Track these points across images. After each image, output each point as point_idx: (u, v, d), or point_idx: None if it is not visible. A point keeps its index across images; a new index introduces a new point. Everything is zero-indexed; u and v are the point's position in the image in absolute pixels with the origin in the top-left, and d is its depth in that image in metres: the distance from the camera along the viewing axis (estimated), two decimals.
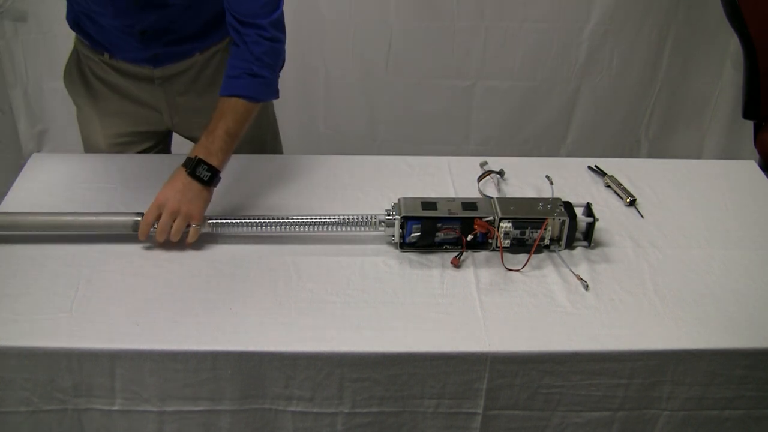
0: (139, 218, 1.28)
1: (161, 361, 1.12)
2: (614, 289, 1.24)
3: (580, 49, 2.48)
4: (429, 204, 1.30)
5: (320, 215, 1.33)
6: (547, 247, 1.32)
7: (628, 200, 1.45)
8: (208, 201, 1.31)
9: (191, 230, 1.28)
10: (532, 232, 1.30)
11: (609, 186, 1.50)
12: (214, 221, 1.32)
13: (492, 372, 1.14)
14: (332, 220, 1.31)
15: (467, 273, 1.27)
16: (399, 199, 1.32)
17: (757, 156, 2.13)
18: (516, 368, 1.14)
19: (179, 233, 1.27)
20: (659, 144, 2.76)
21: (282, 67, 1.43)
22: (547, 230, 1.29)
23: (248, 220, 1.32)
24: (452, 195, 1.47)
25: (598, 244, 1.35)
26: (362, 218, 1.31)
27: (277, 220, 1.32)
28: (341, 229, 1.32)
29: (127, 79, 1.57)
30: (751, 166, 1.61)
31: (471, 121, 2.65)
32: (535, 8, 2.40)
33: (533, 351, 1.13)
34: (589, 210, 1.33)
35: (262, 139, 1.72)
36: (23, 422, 1.18)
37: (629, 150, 2.74)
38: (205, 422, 1.18)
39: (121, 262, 1.28)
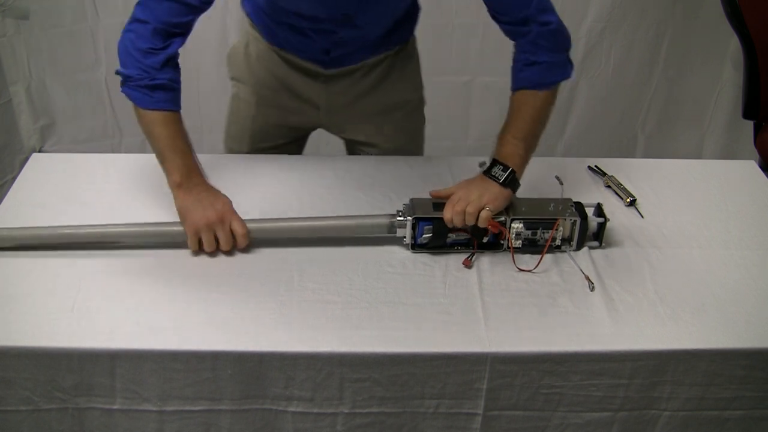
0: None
1: (161, 361, 1.12)
2: (614, 289, 1.25)
3: (577, 46, 2.47)
4: (440, 205, 1.30)
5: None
6: (558, 247, 1.32)
7: (628, 200, 1.45)
8: (508, 198, 1.29)
9: (482, 214, 1.25)
10: (543, 233, 1.30)
11: (609, 186, 1.50)
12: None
13: (492, 372, 1.14)
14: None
15: (471, 273, 1.27)
16: (410, 200, 1.32)
17: (757, 156, 2.14)
18: (516, 368, 1.14)
19: (474, 217, 1.26)
20: (658, 142, 2.76)
21: (569, 46, 1.35)
22: (558, 231, 1.30)
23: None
24: None
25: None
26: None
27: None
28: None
29: (294, 71, 1.57)
30: (751, 166, 1.61)
31: (469, 117, 2.66)
32: None
33: (533, 351, 1.13)
34: (600, 210, 1.33)
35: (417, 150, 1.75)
36: (24, 421, 1.18)
37: (626, 145, 2.74)
38: (206, 422, 1.18)
39: (121, 263, 1.28)
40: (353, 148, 1.75)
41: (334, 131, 1.71)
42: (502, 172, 1.28)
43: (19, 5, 2.37)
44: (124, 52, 1.30)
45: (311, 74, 1.57)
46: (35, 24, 2.42)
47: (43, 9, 2.41)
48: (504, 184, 1.28)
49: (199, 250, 1.29)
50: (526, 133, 1.32)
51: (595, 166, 1.55)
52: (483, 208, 1.26)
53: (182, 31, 1.32)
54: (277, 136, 1.69)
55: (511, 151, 1.31)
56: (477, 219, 1.27)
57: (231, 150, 1.74)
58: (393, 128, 1.67)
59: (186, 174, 1.31)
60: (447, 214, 1.27)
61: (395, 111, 1.65)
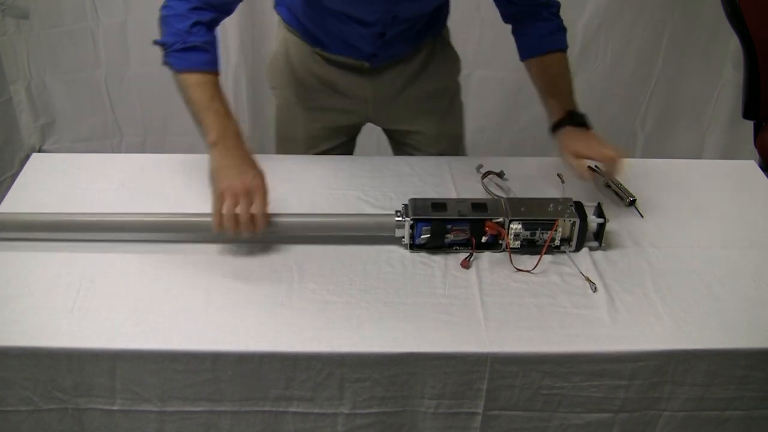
0: None
1: (161, 361, 1.12)
2: (614, 290, 1.24)
3: (574, 41, 2.49)
4: (439, 205, 1.30)
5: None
6: (557, 248, 1.32)
7: (629, 200, 1.45)
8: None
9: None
10: (542, 233, 1.30)
11: (609, 186, 1.50)
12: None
13: (492, 372, 1.14)
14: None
15: (470, 274, 1.27)
16: (409, 200, 1.32)
17: (757, 156, 2.14)
18: (516, 369, 1.14)
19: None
20: (657, 141, 2.76)
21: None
22: (557, 231, 1.30)
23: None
24: (453, 195, 1.47)
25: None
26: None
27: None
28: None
29: (338, 69, 1.59)
30: (751, 166, 1.61)
31: (467, 110, 2.66)
32: None
33: (534, 352, 1.13)
34: (599, 210, 1.33)
35: (459, 135, 1.79)
36: (24, 421, 1.18)
37: (625, 144, 2.74)
38: (206, 423, 1.18)
39: (122, 263, 1.28)
40: (398, 141, 1.77)
41: (382, 123, 1.73)
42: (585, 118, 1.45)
43: (19, 4, 2.37)
44: (161, 23, 1.33)
45: (356, 70, 1.58)
46: (35, 23, 2.43)
47: (43, 8, 2.41)
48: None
49: (219, 224, 1.24)
50: (569, 88, 1.49)
51: (595, 165, 1.55)
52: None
53: (220, 5, 1.34)
54: (328, 139, 1.70)
55: (573, 102, 1.48)
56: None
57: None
58: (437, 114, 1.70)
59: (221, 134, 1.28)
60: (612, 168, 1.38)
61: (438, 97, 1.69)
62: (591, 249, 1.34)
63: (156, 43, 1.34)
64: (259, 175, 1.27)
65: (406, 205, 1.32)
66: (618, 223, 1.40)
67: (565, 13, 1.53)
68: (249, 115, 2.64)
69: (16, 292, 1.21)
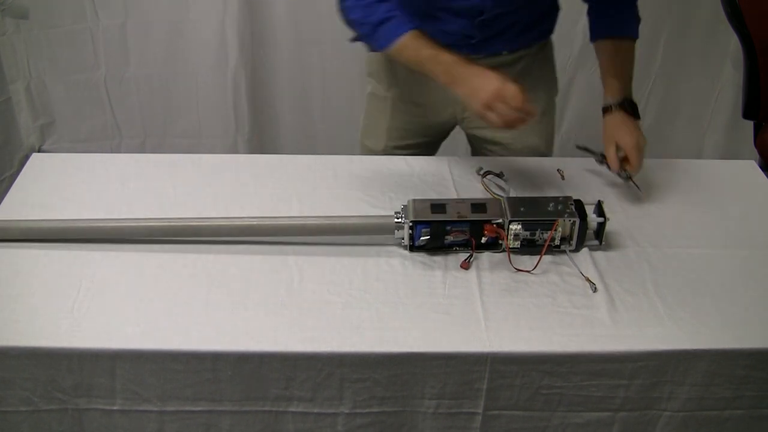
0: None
1: (161, 361, 1.12)
2: (614, 290, 1.24)
3: (574, 41, 2.48)
4: (438, 206, 1.30)
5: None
6: (557, 247, 1.32)
7: (625, 175, 1.47)
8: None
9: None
10: (542, 233, 1.30)
11: (603, 163, 1.51)
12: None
13: (492, 372, 1.14)
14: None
15: (470, 274, 1.27)
16: (408, 201, 1.32)
17: (757, 156, 2.13)
18: (516, 369, 1.14)
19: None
20: (657, 141, 2.75)
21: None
22: (557, 231, 1.29)
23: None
24: (453, 195, 1.47)
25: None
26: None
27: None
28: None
29: None
30: (751, 166, 1.61)
31: None
32: None
33: (533, 351, 1.13)
34: (600, 209, 1.33)
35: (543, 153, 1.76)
36: (23, 422, 1.18)
37: None
38: (206, 422, 1.18)
39: (122, 263, 1.28)
40: (479, 147, 1.76)
41: (469, 127, 1.71)
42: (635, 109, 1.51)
43: (19, 4, 2.37)
44: (347, 24, 1.46)
45: None
46: (35, 23, 2.43)
47: (43, 8, 2.41)
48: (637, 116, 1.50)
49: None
50: (629, 76, 1.55)
51: (584, 146, 1.56)
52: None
53: None
54: (412, 134, 1.71)
55: (630, 90, 1.53)
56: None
57: (365, 148, 1.77)
58: (530, 130, 1.64)
59: (447, 72, 1.36)
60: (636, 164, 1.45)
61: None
62: (591, 248, 1.33)
63: (353, 40, 1.48)
64: (495, 76, 1.32)
65: (405, 206, 1.32)
66: (618, 223, 1.40)
67: (565, 11, 1.53)
68: (249, 116, 2.64)
69: (16, 292, 1.21)
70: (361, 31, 1.44)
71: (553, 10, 1.61)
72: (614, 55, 1.55)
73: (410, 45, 1.39)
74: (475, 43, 1.54)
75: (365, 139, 1.78)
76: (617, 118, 1.49)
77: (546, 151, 1.75)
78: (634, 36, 1.55)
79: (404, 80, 1.64)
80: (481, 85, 1.31)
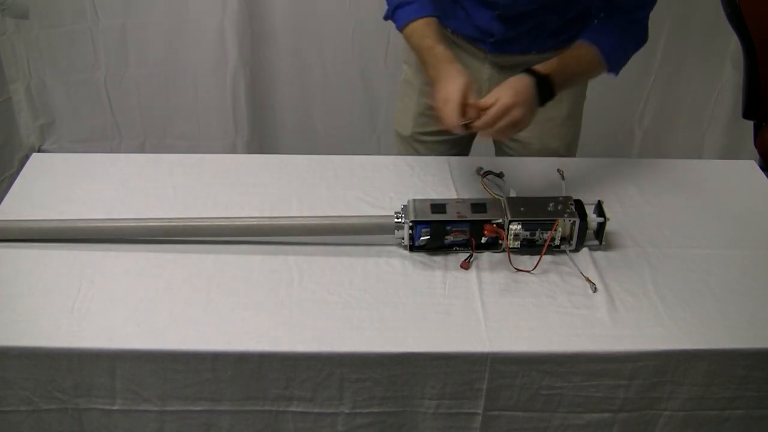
0: None
1: (161, 361, 1.12)
2: (614, 290, 1.24)
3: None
4: (438, 206, 1.30)
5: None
6: (557, 247, 1.32)
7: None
8: (535, 114, 1.35)
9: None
10: (542, 233, 1.30)
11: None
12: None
13: (492, 372, 1.14)
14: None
15: (470, 274, 1.27)
16: (408, 201, 1.32)
17: (757, 156, 2.14)
18: (516, 369, 1.14)
19: (506, 131, 1.31)
20: (656, 141, 2.76)
21: (638, 48, 1.49)
22: (557, 231, 1.29)
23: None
24: (453, 195, 1.47)
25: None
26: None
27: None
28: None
29: (461, 52, 1.61)
30: (751, 166, 1.61)
31: None
32: None
33: (534, 351, 1.13)
34: (600, 209, 1.33)
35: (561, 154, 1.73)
36: (23, 421, 1.18)
37: (623, 139, 2.74)
38: (206, 422, 1.18)
39: (122, 263, 1.28)
40: (501, 144, 1.76)
41: None
42: (548, 91, 1.35)
43: (19, 4, 2.37)
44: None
45: (478, 59, 1.61)
46: (35, 23, 2.43)
47: (43, 8, 2.41)
48: (542, 101, 1.35)
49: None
50: (571, 74, 1.41)
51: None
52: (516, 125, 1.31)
53: None
54: (437, 120, 1.69)
55: (559, 77, 1.37)
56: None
57: (396, 133, 1.80)
58: (546, 130, 1.67)
59: (434, 66, 1.38)
60: (480, 123, 1.30)
61: (555, 115, 1.66)
62: (591, 248, 1.33)
63: (385, 18, 1.52)
64: (464, 73, 1.33)
65: (405, 206, 1.32)
66: (618, 223, 1.40)
67: (562, 11, 1.52)
68: (248, 116, 2.65)
69: (16, 292, 1.21)
70: (388, 7, 1.50)
71: (580, 16, 1.57)
72: (573, 52, 1.43)
73: (418, 31, 1.44)
74: (494, 41, 1.55)
75: (396, 125, 1.80)
76: (517, 78, 1.35)
77: (566, 155, 1.74)
78: (609, 68, 1.44)
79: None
80: (442, 87, 1.34)
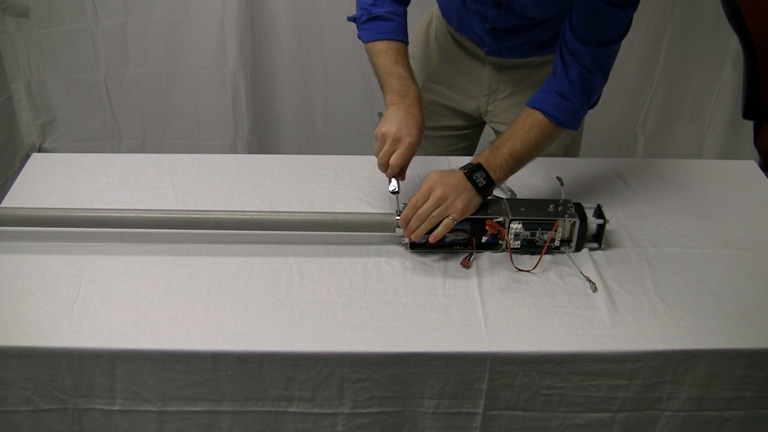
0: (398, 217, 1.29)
1: (161, 361, 1.12)
2: (614, 290, 1.25)
3: None
4: None
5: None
6: (557, 248, 1.32)
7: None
8: (476, 206, 1.27)
9: (444, 222, 1.24)
10: (542, 234, 1.30)
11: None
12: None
13: (492, 372, 1.14)
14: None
15: (470, 274, 1.27)
16: (409, 200, 1.32)
17: (757, 156, 2.14)
18: (516, 369, 1.14)
19: (436, 221, 1.24)
20: (657, 141, 2.76)
21: (594, 105, 1.39)
22: (557, 232, 1.29)
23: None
24: None
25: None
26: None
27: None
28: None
29: (462, 52, 1.61)
30: (751, 166, 1.61)
31: None
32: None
33: (533, 351, 1.13)
34: (599, 211, 1.33)
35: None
36: (23, 421, 1.18)
37: (626, 144, 2.74)
38: (206, 423, 1.18)
39: (122, 263, 1.28)
40: None
41: (491, 121, 1.71)
42: (484, 180, 1.26)
43: (19, 3, 2.37)
44: (356, 2, 1.45)
45: (479, 59, 1.61)
46: (35, 22, 2.43)
47: (43, 8, 2.41)
48: (480, 192, 1.26)
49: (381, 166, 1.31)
50: (522, 156, 1.30)
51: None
52: (447, 216, 1.24)
53: None
54: (442, 116, 1.71)
55: (500, 164, 1.28)
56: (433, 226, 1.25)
57: None
58: None
59: (401, 96, 1.34)
60: (408, 213, 1.26)
61: None
62: (591, 250, 1.34)
63: (349, 19, 1.47)
64: (416, 134, 1.30)
65: (405, 204, 1.32)
66: (618, 223, 1.40)
67: (565, 15, 1.52)
68: (248, 116, 2.64)
69: (16, 292, 1.21)
70: (358, 12, 1.45)
71: None
72: (523, 125, 1.33)
73: (386, 52, 1.40)
74: (489, 50, 1.56)
75: None
76: (446, 174, 1.27)
77: (562, 154, 1.72)
78: (550, 115, 1.32)
79: (438, 61, 1.67)
80: (384, 121, 1.31)
